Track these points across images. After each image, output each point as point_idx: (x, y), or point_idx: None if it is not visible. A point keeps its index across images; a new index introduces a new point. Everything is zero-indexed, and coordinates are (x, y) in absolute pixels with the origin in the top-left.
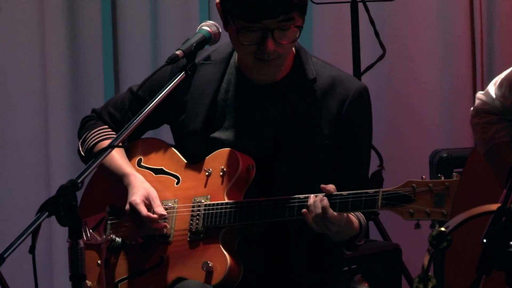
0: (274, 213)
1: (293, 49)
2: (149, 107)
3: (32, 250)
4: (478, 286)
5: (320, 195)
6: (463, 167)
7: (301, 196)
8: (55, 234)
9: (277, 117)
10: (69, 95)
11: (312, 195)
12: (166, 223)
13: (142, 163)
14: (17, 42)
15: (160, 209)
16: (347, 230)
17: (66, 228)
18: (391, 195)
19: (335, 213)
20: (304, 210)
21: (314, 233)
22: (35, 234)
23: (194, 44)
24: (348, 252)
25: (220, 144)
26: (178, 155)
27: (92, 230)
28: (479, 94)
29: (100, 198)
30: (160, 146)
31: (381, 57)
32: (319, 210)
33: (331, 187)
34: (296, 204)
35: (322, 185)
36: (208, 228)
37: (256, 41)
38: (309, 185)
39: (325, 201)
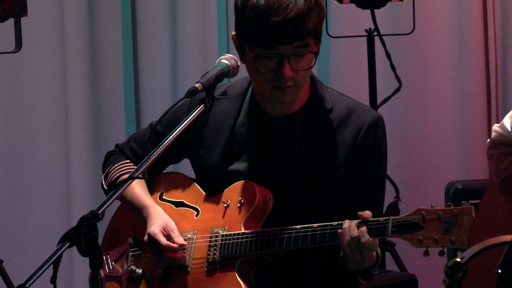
0: (287, 242)
1: (309, 80)
2: (169, 139)
3: (53, 280)
4: None
5: (355, 221)
6: (478, 199)
7: (315, 225)
8: (76, 264)
9: (294, 148)
10: (90, 127)
11: (347, 220)
12: (184, 254)
13: (163, 197)
14: (38, 74)
15: (180, 239)
16: (368, 258)
17: (87, 259)
18: (401, 223)
19: (370, 239)
20: (340, 230)
21: (329, 263)
22: (56, 264)
23: (213, 77)
24: (363, 282)
25: (239, 176)
26: (198, 188)
27: (114, 263)
28: (495, 127)
29: (124, 230)
30: (181, 180)
31: (397, 90)
32: (355, 234)
33: (367, 213)
34: (310, 233)
35: (360, 212)
36: (225, 258)
37: (273, 68)
38: (327, 214)
39: (364, 227)
